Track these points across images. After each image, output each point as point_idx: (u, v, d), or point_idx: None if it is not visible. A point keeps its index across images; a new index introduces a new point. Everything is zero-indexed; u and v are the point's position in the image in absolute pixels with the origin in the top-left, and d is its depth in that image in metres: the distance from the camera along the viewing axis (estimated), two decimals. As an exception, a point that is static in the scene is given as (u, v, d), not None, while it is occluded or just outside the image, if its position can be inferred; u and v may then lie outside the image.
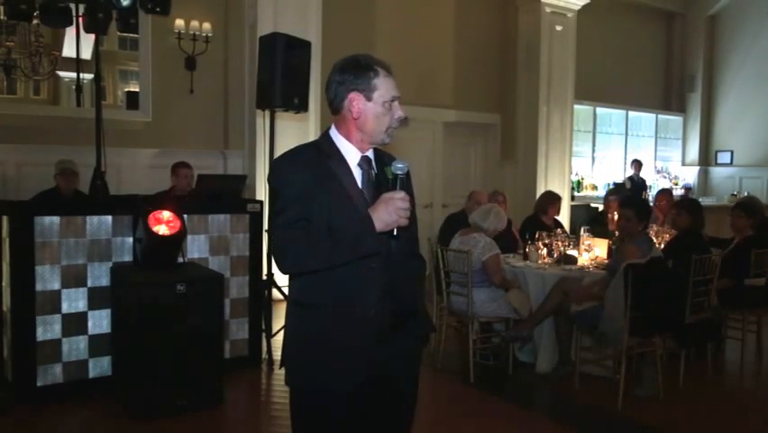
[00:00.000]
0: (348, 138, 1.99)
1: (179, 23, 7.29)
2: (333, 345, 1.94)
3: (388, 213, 1.83)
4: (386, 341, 1.98)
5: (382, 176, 1.99)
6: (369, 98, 1.94)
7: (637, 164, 10.91)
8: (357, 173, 1.98)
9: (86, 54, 7.05)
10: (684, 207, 5.16)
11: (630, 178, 10.83)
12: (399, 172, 1.90)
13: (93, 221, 4.17)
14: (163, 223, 4.02)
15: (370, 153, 2.03)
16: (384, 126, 1.97)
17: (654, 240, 5.25)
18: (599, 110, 11.41)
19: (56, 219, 4.03)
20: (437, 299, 5.09)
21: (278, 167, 2.02)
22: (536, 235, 5.39)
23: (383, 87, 1.94)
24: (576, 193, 10.65)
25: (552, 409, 4.48)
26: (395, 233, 1.87)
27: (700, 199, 8.79)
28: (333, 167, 1.95)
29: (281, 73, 4.82)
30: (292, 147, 2.07)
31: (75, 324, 4.12)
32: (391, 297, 1.98)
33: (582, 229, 5.49)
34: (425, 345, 2.19)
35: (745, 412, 4.39)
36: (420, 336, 2.16)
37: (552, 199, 6.42)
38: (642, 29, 12.13)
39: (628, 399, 4.21)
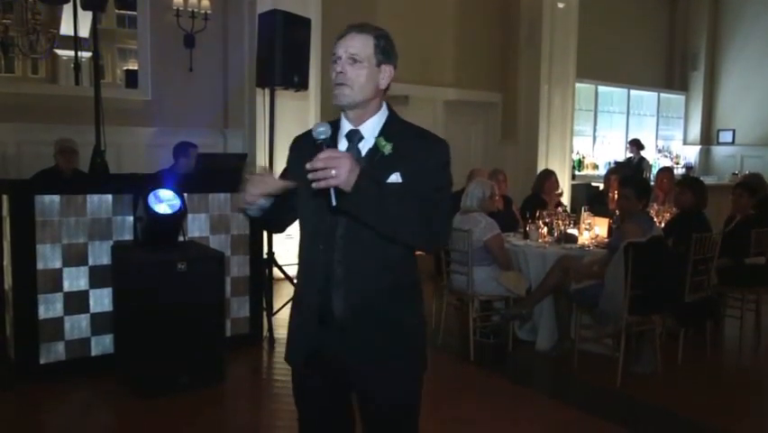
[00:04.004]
0: None
1: (178, 0, 7.22)
2: (292, 319, 2.01)
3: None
4: (339, 332, 1.85)
5: (373, 149, 1.86)
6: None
7: (635, 144, 10.42)
8: (342, 148, 1.87)
9: (84, 32, 7.00)
10: (688, 186, 5.15)
11: (629, 159, 10.58)
12: (322, 136, 1.72)
13: (93, 200, 4.16)
14: (163, 202, 4.02)
15: (366, 126, 1.88)
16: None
17: (655, 219, 5.25)
18: (601, 89, 11.35)
19: (56, 198, 4.03)
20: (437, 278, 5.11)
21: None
22: (537, 214, 5.39)
23: (335, 48, 1.86)
24: (577, 172, 10.62)
25: (551, 387, 4.52)
26: (333, 202, 1.65)
27: (701, 179, 8.74)
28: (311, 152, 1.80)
29: (281, 51, 4.79)
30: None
31: (76, 302, 4.14)
32: (346, 286, 1.83)
33: (583, 208, 5.49)
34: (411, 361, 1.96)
35: (744, 390, 4.42)
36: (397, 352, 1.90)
37: (545, 176, 6.41)
38: (644, 6, 12.01)
39: (627, 376, 4.25)
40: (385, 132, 1.88)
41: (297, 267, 2.03)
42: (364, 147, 1.87)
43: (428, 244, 1.90)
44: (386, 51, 1.87)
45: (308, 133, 1.88)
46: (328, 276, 1.84)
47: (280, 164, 2.27)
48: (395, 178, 1.80)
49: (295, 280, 2.11)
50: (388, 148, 1.83)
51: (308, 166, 1.62)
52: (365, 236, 1.79)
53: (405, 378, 1.95)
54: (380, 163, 1.82)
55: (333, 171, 1.61)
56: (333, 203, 1.65)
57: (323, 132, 1.72)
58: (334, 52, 1.84)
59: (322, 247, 1.84)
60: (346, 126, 1.89)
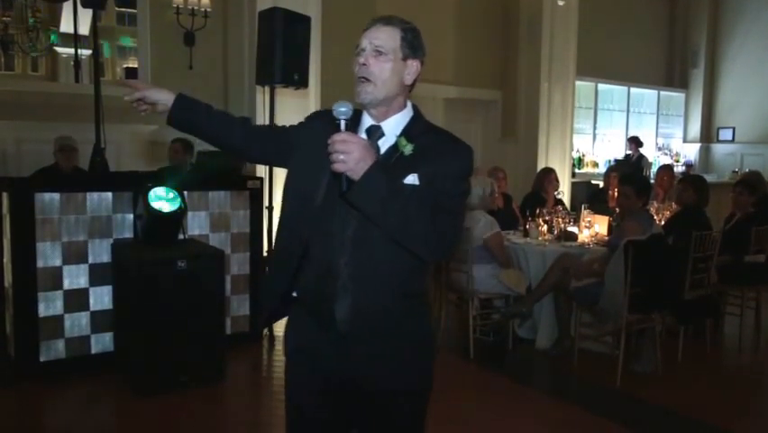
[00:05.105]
0: None
1: (178, -3, 7.21)
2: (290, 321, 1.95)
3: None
4: (340, 339, 1.75)
5: (393, 148, 1.75)
6: None
7: (634, 142, 10.37)
8: None
9: (84, 30, 7.00)
10: (690, 183, 5.15)
11: (627, 156, 10.52)
12: (342, 117, 1.62)
13: (93, 197, 4.16)
14: (163, 199, 4.02)
15: (388, 123, 1.79)
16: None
17: (655, 217, 5.25)
18: (601, 86, 11.32)
19: (56, 196, 4.03)
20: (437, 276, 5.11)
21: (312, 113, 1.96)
22: (537, 212, 5.39)
23: (359, 40, 1.78)
24: (577, 170, 10.60)
25: (551, 385, 4.52)
26: (344, 187, 1.58)
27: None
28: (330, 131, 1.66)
29: (281, 49, 4.78)
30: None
31: (77, 300, 4.14)
32: (353, 290, 1.70)
33: (583, 206, 5.49)
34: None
35: (744, 388, 4.43)
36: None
37: (545, 174, 6.41)
38: (644, 4, 11.99)
39: (627, 375, 4.25)
40: (407, 131, 1.78)
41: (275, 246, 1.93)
42: (384, 145, 1.77)
43: (434, 252, 1.73)
44: (413, 46, 1.80)
45: (327, 112, 1.76)
46: (333, 278, 1.70)
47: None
48: (412, 179, 1.69)
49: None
50: (408, 148, 1.73)
51: (340, 144, 1.56)
52: (376, 240, 1.68)
53: (411, 389, 1.88)
54: (399, 163, 1.72)
55: (342, 156, 1.55)
56: (344, 188, 1.58)
57: (344, 112, 1.61)
58: (358, 44, 1.77)
59: (327, 246, 1.72)
60: (367, 121, 1.80)
